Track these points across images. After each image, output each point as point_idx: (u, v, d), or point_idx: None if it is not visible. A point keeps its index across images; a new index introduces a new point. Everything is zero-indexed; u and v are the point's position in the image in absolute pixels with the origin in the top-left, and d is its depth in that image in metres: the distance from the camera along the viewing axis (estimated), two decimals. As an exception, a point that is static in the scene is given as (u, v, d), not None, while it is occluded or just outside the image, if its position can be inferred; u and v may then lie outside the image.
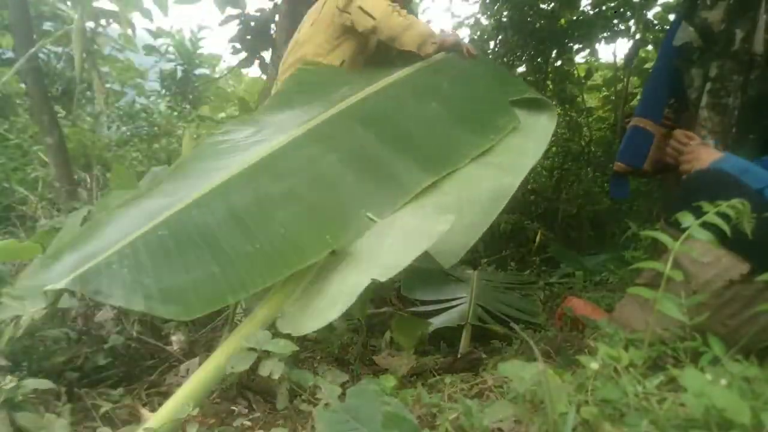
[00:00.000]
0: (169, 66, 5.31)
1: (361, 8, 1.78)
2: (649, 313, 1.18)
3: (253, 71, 8.74)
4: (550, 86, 4.25)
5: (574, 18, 3.83)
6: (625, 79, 3.86)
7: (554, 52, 4.02)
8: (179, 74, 5.32)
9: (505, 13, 4.03)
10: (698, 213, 0.92)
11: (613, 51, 9.96)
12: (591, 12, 3.75)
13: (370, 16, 1.78)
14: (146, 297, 1.13)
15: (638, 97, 3.38)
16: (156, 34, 4.92)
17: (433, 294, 2.46)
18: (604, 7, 3.68)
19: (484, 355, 1.56)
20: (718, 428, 0.67)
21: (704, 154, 1.39)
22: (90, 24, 2.61)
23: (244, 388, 1.22)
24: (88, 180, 2.96)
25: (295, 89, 1.82)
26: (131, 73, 4.73)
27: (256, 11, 2.68)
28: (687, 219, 0.92)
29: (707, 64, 1.79)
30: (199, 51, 5.43)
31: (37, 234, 1.12)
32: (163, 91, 5.31)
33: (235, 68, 4.57)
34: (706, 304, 1.08)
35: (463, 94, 1.71)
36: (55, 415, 1.09)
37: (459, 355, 1.57)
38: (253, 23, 2.67)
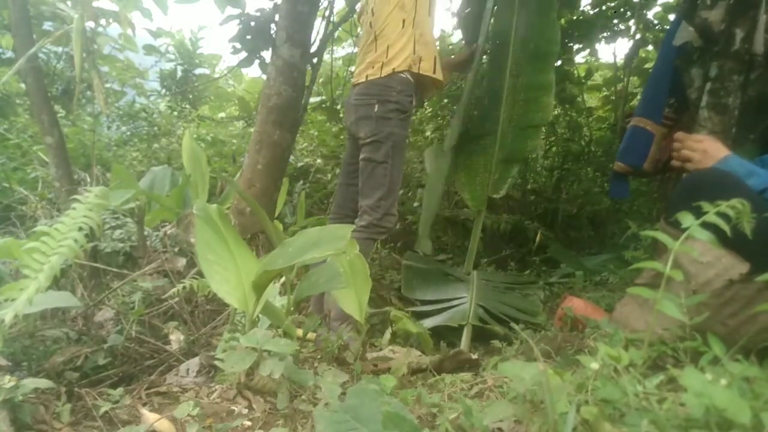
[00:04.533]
0: (169, 66, 5.31)
1: None
2: (649, 313, 1.18)
3: (253, 71, 8.74)
4: (550, 86, 4.24)
5: (574, 18, 3.82)
6: (625, 79, 3.85)
7: (554, 52, 4.01)
8: (179, 74, 5.32)
9: (505, 13, 4.02)
10: (698, 213, 0.92)
11: (613, 51, 10.01)
12: (591, 12, 3.75)
13: None
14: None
15: (638, 97, 3.38)
16: (156, 33, 4.91)
17: (433, 294, 2.46)
18: (604, 7, 3.68)
19: (474, 356, 1.56)
20: (718, 428, 0.67)
21: (713, 150, 1.39)
22: (90, 24, 2.60)
23: (244, 387, 1.22)
24: (88, 180, 2.96)
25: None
26: (131, 73, 4.71)
27: (256, 11, 2.67)
28: (687, 219, 0.92)
29: (707, 64, 1.79)
30: (199, 51, 5.42)
31: (37, 233, 1.12)
32: (163, 90, 5.31)
33: (235, 68, 4.56)
34: (706, 304, 1.08)
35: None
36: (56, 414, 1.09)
37: (451, 353, 1.57)
38: (253, 23, 2.66)
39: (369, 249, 2.19)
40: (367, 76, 2.23)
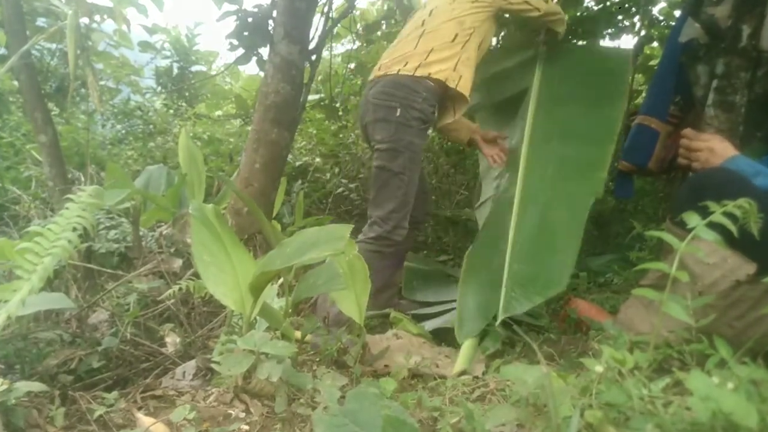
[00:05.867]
0: (164, 63, 5.30)
1: (527, 2, 2.24)
2: (655, 315, 1.18)
3: (251, 68, 8.74)
4: (554, 83, 4.24)
5: (578, 14, 3.82)
6: (630, 77, 3.85)
7: (557, 48, 4.01)
8: (175, 71, 5.31)
9: (507, 9, 4.01)
10: (704, 213, 0.92)
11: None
12: (595, 8, 3.74)
13: (534, 8, 2.24)
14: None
15: (643, 94, 3.38)
16: (152, 30, 4.90)
17: (434, 295, 2.46)
18: (608, 3, 3.68)
19: (479, 373, 1.55)
20: (725, 432, 0.66)
21: (720, 149, 1.39)
22: (84, 20, 2.60)
23: (242, 391, 1.22)
24: (83, 179, 2.97)
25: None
26: (126, 70, 4.71)
27: (254, 7, 2.67)
28: (693, 219, 0.92)
29: (713, 61, 1.79)
30: (195, 47, 5.41)
31: (30, 234, 1.12)
32: (159, 88, 5.30)
33: (232, 65, 4.56)
34: (712, 306, 1.08)
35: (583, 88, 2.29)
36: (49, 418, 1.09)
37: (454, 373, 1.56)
38: (250, 19, 2.66)
39: (375, 263, 2.07)
40: (398, 71, 2.13)
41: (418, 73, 2.10)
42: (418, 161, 2.15)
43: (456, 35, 2.14)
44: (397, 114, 2.07)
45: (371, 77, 2.29)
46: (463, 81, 2.14)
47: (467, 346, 1.68)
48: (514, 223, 1.92)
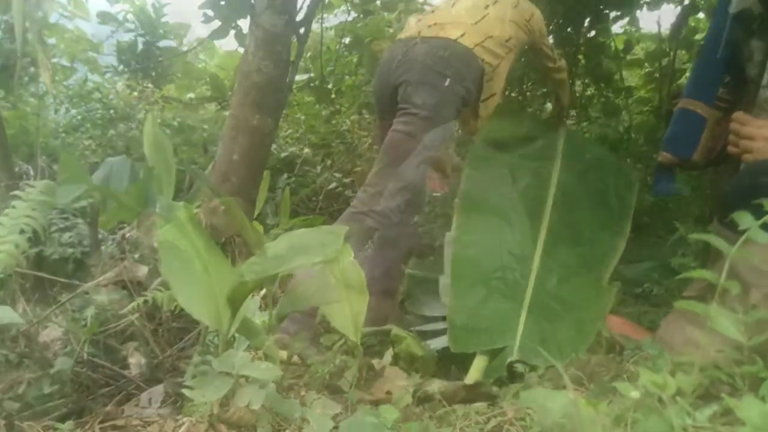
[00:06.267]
0: (127, 37, 5.31)
1: (551, 47, 2.47)
2: (700, 332, 1.18)
3: (229, 43, 8.75)
4: (582, 61, 4.25)
5: (611, -20, 3.83)
6: (672, 53, 3.86)
7: (587, 20, 4.02)
8: (140, 47, 5.32)
9: (529, -25, 4.02)
10: (759, 212, 0.92)
11: (657, 19, 9.97)
12: (631, -27, 3.76)
13: (553, 58, 2.49)
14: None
15: (687, 74, 3.38)
16: (112, -1, 4.92)
17: (442, 309, 2.46)
18: (646, -33, 3.69)
19: (495, 389, 1.56)
20: (782, 469, 0.67)
21: None
22: (34, -13, 2.61)
23: (218, 420, 1.22)
24: (32, 172, 2.97)
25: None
26: (83, 46, 4.73)
27: (232, -28, 2.68)
28: (745, 219, 0.92)
29: (769, 35, 1.79)
30: (163, 19, 5.42)
31: (-29, 237, 1.12)
32: (121, 67, 5.30)
33: (206, 40, 4.57)
34: (767, 321, 1.08)
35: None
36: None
37: (468, 385, 1.57)
38: (228, -14, 2.67)
39: (377, 259, 2.14)
40: (456, 38, 2.19)
41: (476, 52, 2.18)
42: (444, 143, 2.24)
43: (510, 38, 2.26)
44: (446, 84, 2.13)
45: (413, 32, 2.32)
46: (485, 95, 2.28)
47: (481, 358, 1.69)
48: (534, 283, 2.12)
